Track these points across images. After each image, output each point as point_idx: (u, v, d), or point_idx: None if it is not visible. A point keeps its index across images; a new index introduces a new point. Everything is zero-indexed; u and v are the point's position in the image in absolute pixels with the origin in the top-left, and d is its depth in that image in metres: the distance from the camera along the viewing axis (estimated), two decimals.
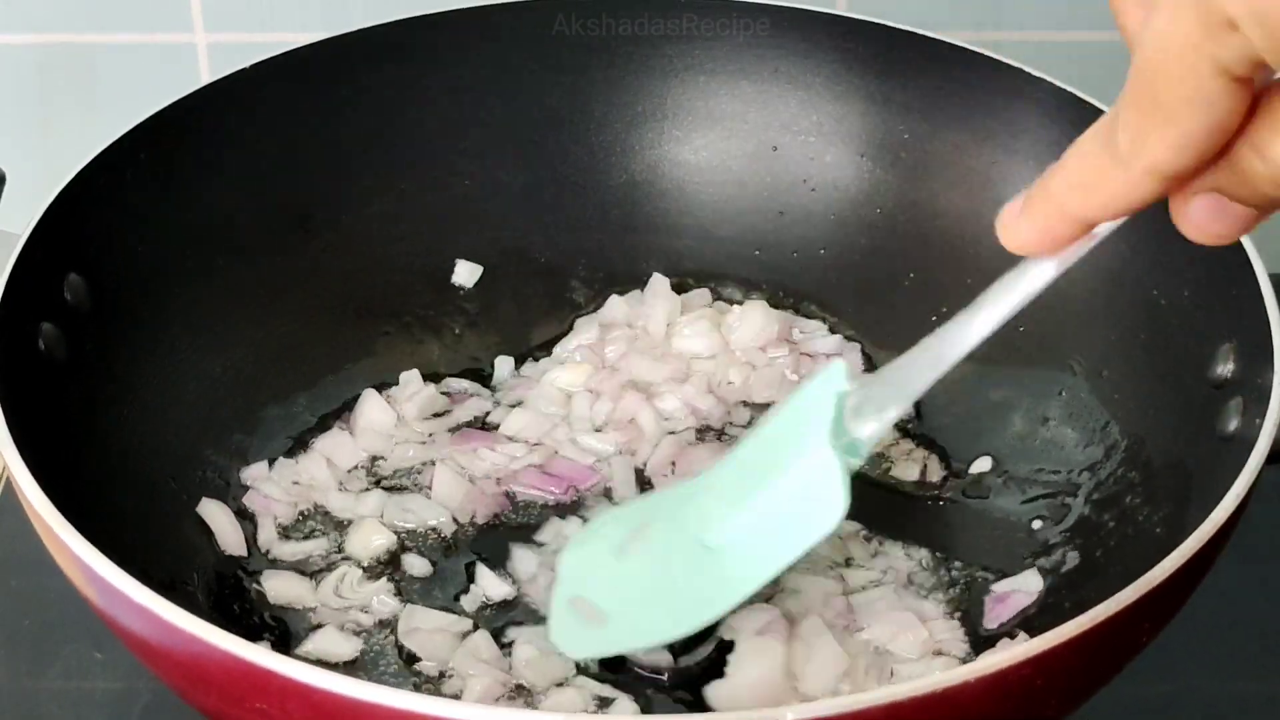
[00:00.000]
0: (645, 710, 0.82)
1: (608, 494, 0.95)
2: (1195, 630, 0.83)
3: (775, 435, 0.82)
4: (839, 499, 0.77)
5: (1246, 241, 0.85)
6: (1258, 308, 0.81)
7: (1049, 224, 0.63)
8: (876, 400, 0.77)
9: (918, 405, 1.00)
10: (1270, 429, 0.75)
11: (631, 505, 0.92)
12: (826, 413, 0.77)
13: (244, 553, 0.91)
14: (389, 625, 0.87)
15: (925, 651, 0.85)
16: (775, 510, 0.80)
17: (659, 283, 1.05)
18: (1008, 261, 1.00)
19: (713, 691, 0.82)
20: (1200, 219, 0.58)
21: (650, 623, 0.83)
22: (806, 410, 0.79)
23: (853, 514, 0.93)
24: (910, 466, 0.96)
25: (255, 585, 0.89)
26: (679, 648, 0.84)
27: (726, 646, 0.84)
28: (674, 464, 0.96)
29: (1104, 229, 0.63)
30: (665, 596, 0.83)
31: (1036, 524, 0.91)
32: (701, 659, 0.84)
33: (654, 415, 0.99)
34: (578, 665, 0.84)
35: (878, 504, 0.94)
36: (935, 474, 0.96)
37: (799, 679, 0.83)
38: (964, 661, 0.85)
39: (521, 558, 0.91)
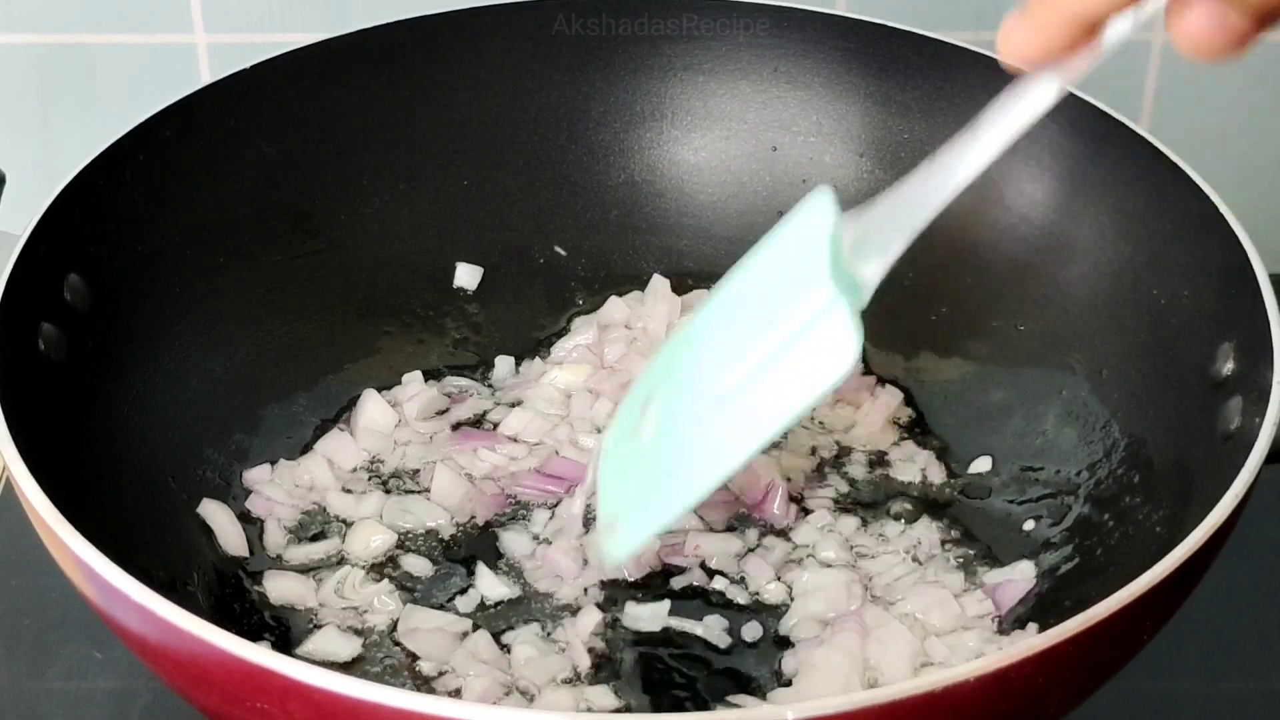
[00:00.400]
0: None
1: None
2: (1195, 630, 0.83)
3: (766, 275, 0.77)
4: (849, 343, 0.71)
5: (1246, 241, 0.85)
6: (1258, 308, 0.81)
7: (1050, 28, 0.61)
8: (877, 235, 0.72)
9: (917, 406, 1.00)
10: (1270, 428, 0.75)
11: (637, 380, 0.87)
12: (822, 250, 0.72)
13: (245, 553, 0.90)
14: (390, 626, 0.87)
15: (957, 625, 0.86)
16: (780, 356, 0.74)
17: (659, 283, 1.05)
18: (1006, 261, 1.01)
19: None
20: (1196, 27, 0.57)
21: (675, 492, 0.78)
22: (798, 246, 0.75)
23: (848, 506, 0.94)
24: (910, 467, 0.96)
25: (256, 586, 0.89)
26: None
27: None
28: None
29: (1109, 37, 0.61)
30: (685, 460, 0.78)
31: (1036, 523, 0.91)
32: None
33: None
34: (576, 672, 0.84)
35: (874, 494, 0.95)
36: (935, 474, 0.96)
37: (877, 669, 0.83)
38: (998, 632, 0.86)
39: (514, 540, 0.92)
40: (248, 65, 0.99)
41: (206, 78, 0.99)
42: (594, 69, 1.06)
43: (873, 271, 0.71)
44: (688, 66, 1.07)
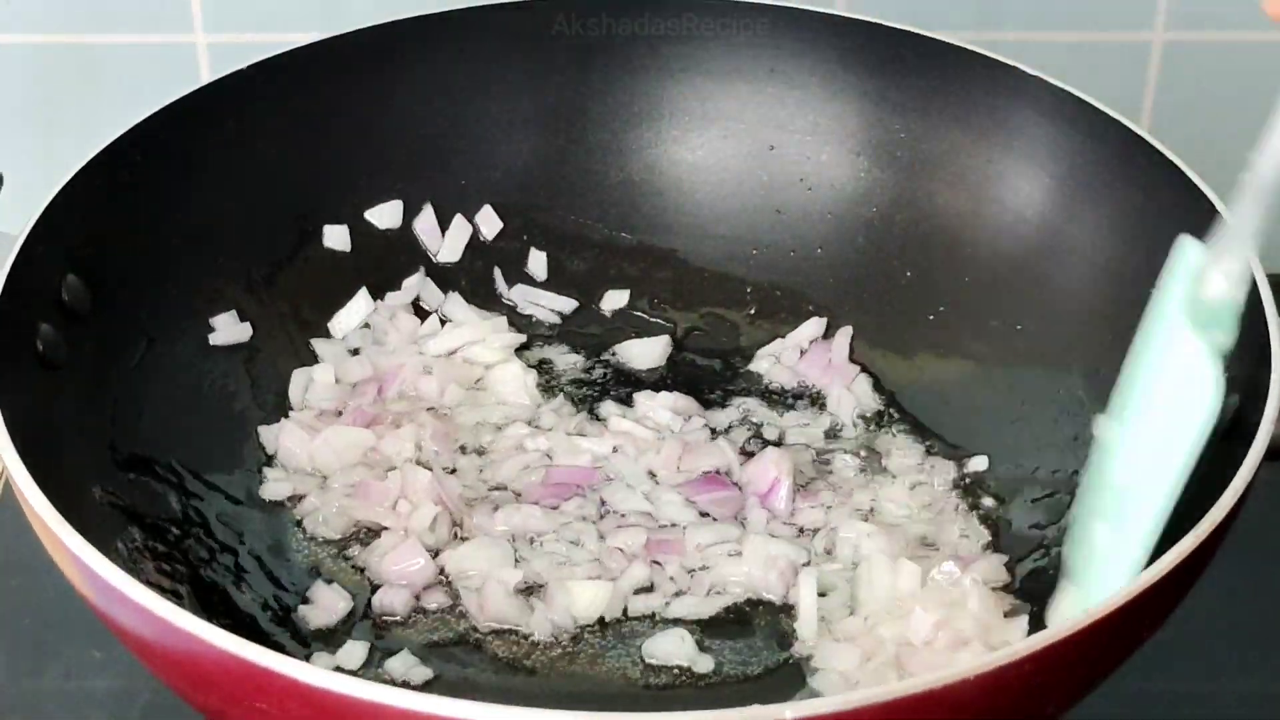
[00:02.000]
0: None
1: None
2: (1195, 629, 0.83)
3: (1146, 343, 0.79)
4: (1208, 379, 0.71)
5: None
6: (1256, 307, 0.81)
7: None
8: (1220, 257, 0.73)
9: (915, 404, 1.00)
10: (1268, 427, 0.76)
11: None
12: (1178, 293, 0.74)
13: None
14: None
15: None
16: (1153, 417, 0.76)
17: None
18: (1005, 261, 1.01)
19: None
20: None
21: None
22: (1164, 303, 0.76)
23: (843, 500, 0.94)
24: (906, 465, 0.96)
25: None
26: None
27: None
28: (680, 461, 0.96)
29: None
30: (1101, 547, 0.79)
31: (1035, 522, 0.91)
32: None
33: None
34: None
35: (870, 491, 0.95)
36: (933, 472, 0.96)
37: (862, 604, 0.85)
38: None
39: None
40: (245, 65, 0.99)
41: (206, 77, 0.99)
42: (592, 69, 1.07)
43: (1217, 290, 0.73)
44: (685, 67, 1.07)
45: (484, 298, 1.06)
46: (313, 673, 0.64)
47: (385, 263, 1.05)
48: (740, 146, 1.07)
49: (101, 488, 0.84)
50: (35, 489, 0.72)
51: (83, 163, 0.90)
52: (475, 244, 1.07)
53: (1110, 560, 0.78)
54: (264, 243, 1.00)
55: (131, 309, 0.92)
